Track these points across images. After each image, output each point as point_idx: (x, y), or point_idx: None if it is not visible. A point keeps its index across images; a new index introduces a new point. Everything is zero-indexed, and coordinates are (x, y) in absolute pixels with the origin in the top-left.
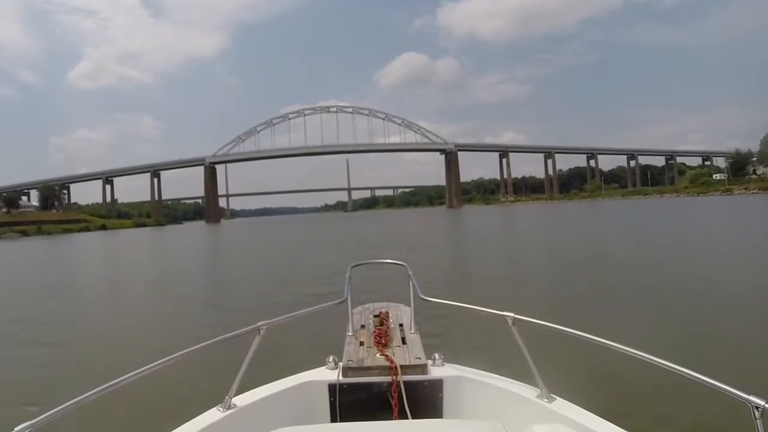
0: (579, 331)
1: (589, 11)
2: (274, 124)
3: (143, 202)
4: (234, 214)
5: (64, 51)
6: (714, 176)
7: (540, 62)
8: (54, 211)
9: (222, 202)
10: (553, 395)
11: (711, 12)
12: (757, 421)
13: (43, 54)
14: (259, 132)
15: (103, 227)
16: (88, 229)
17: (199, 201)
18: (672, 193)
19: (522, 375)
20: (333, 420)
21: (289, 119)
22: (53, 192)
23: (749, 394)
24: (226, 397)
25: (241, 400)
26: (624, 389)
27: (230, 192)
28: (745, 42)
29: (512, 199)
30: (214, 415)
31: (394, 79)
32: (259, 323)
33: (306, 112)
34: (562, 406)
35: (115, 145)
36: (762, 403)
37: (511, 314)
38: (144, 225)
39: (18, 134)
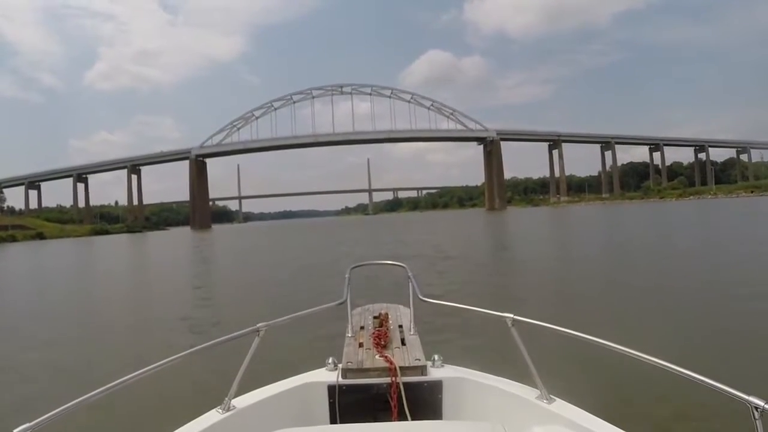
0: (578, 332)
1: (629, 3)
2: (275, 108)
3: (147, 205)
4: (249, 217)
5: (85, 55)
6: None
7: (567, 62)
8: None
9: (235, 205)
10: (552, 396)
11: (737, 7)
12: (757, 421)
13: (64, 58)
14: (257, 118)
15: (40, 236)
16: (14, 239)
17: (217, 203)
18: None
19: (522, 376)
20: (332, 421)
21: (294, 102)
22: None
23: (749, 394)
24: (226, 399)
25: (241, 401)
26: (624, 390)
27: (244, 194)
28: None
29: (567, 199)
30: (213, 416)
31: (418, 78)
32: (258, 324)
33: (314, 93)
34: (561, 407)
35: (135, 147)
36: (762, 403)
37: (511, 315)
38: (106, 232)
39: (41, 137)
